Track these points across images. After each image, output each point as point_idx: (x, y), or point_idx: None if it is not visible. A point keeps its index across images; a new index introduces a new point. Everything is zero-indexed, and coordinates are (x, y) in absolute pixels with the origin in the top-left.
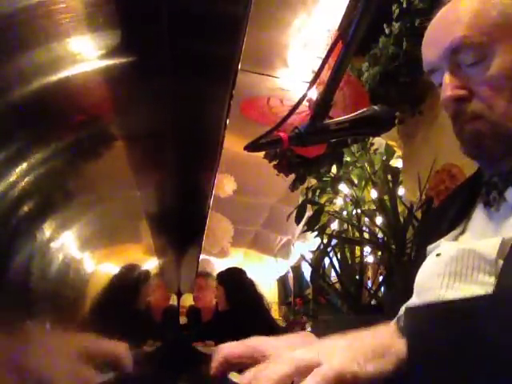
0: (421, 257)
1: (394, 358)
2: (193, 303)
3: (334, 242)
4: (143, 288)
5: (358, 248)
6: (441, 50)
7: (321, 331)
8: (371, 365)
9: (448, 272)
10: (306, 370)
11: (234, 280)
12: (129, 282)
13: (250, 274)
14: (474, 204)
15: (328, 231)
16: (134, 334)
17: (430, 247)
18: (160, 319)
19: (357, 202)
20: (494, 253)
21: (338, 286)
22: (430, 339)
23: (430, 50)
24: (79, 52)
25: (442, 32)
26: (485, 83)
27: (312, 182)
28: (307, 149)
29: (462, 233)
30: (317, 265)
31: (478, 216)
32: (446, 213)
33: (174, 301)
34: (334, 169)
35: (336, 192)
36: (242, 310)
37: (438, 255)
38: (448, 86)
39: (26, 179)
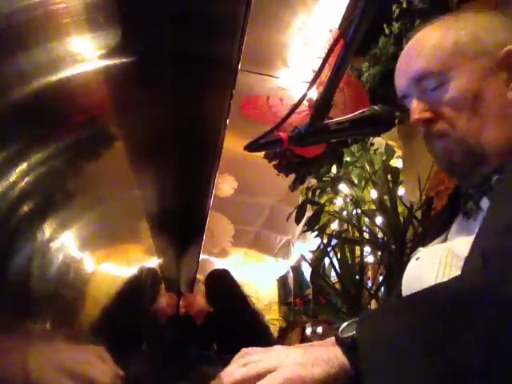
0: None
1: (336, 363)
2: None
3: (334, 241)
4: (152, 291)
5: (358, 248)
6: (407, 80)
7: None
8: (317, 369)
9: (427, 271)
10: (264, 374)
11: (213, 283)
12: (139, 285)
13: (247, 275)
14: (456, 215)
15: (328, 231)
16: (135, 335)
17: (413, 253)
18: (163, 320)
19: (357, 202)
20: (466, 250)
21: (337, 285)
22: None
23: (399, 79)
24: (79, 52)
25: (407, 64)
26: (446, 105)
27: (312, 181)
28: (306, 148)
29: (444, 241)
30: (317, 265)
31: (458, 225)
32: (433, 225)
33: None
34: (333, 169)
35: (336, 192)
36: (222, 312)
37: (417, 259)
38: (415, 109)
39: (25, 179)
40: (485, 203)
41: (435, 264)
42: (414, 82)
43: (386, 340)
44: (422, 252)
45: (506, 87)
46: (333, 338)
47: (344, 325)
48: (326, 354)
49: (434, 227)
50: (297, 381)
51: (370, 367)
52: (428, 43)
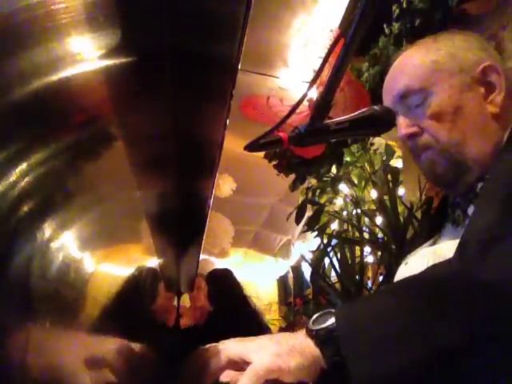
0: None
1: (309, 355)
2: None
3: (334, 241)
4: (151, 289)
5: (358, 248)
6: (393, 98)
7: None
8: (292, 360)
9: (415, 272)
10: (236, 363)
11: (214, 282)
12: (138, 284)
13: (247, 275)
14: (444, 223)
15: (328, 231)
16: (135, 335)
17: (403, 261)
18: (162, 319)
19: (357, 202)
20: (452, 252)
21: (337, 285)
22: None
23: (386, 98)
24: (79, 52)
25: (391, 83)
26: (429, 119)
27: (312, 181)
28: (306, 149)
29: (433, 246)
30: (317, 265)
31: (447, 232)
32: (422, 232)
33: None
34: (333, 169)
35: (336, 192)
36: (223, 312)
37: (406, 264)
38: (401, 125)
39: (25, 179)
40: (472, 211)
41: (423, 264)
42: (398, 99)
43: (366, 319)
44: (410, 258)
45: (483, 101)
46: (303, 330)
47: (314, 317)
48: (299, 346)
49: (423, 234)
50: (276, 371)
51: (353, 346)
52: (409, 63)
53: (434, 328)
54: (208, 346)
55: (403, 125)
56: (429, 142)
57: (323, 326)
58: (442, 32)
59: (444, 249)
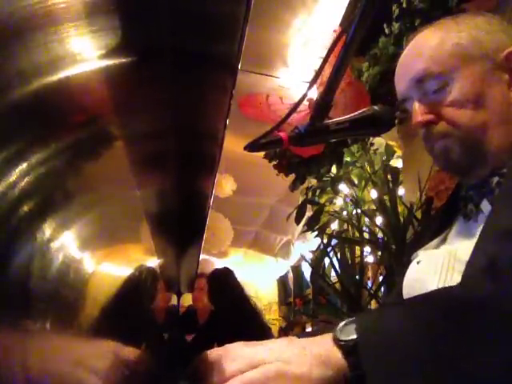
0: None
1: (334, 366)
2: (191, 303)
3: (334, 241)
4: (150, 289)
5: (358, 248)
6: (408, 82)
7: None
8: (315, 369)
9: (429, 275)
10: (243, 370)
11: (215, 281)
12: (137, 283)
13: (247, 275)
14: (456, 216)
15: (328, 231)
16: (135, 335)
17: (413, 256)
18: (161, 319)
19: (357, 202)
20: (468, 255)
21: (337, 285)
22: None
23: (400, 82)
24: (79, 52)
25: (407, 66)
26: (449, 106)
27: (312, 181)
28: (304, 148)
29: (443, 242)
30: (317, 265)
31: (458, 227)
32: (431, 224)
33: (173, 301)
34: (334, 169)
35: (336, 192)
36: (224, 311)
37: (418, 262)
38: (417, 112)
39: (25, 179)
40: (485, 205)
41: (437, 268)
42: (414, 83)
43: (389, 342)
44: (422, 255)
45: (507, 89)
46: (329, 336)
47: (341, 325)
48: (324, 354)
49: (432, 227)
50: (292, 378)
51: (374, 369)
52: (428, 45)
53: (455, 353)
54: (210, 351)
55: (419, 111)
56: (446, 131)
57: (351, 338)
58: (462, 13)
59: (460, 250)
